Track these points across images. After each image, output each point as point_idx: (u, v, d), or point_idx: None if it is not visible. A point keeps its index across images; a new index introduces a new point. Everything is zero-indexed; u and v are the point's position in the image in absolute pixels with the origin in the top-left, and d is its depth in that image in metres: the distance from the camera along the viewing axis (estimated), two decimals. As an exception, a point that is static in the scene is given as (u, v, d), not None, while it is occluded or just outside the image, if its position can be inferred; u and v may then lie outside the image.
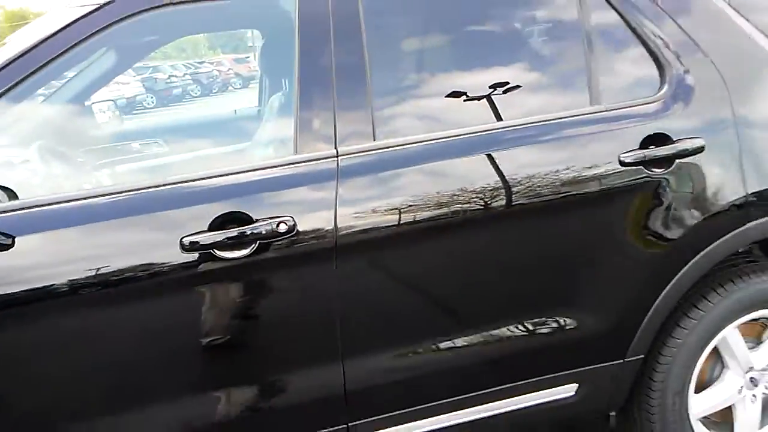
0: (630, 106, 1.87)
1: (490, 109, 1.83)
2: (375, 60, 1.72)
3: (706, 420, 2.16)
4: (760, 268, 2.03)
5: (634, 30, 1.89)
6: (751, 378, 2.10)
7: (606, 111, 1.85)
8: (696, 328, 1.98)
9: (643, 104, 1.87)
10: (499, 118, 1.82)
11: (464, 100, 1.84)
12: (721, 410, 2.15)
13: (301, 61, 1.68)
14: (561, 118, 1.83)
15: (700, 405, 2.08)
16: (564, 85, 1.91)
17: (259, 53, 2.50)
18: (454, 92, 1.84)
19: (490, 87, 1.84)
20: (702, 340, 2.00)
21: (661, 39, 1.89)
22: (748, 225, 1.91)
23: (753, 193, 1.90)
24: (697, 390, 2.09)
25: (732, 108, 1.90)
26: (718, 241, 1.89)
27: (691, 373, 2.02)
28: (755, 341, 2.13)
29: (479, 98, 1.84)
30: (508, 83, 1.85)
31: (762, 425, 2.17)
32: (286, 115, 1.72)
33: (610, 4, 1.88)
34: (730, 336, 2.03)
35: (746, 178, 1.89)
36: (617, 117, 1.85)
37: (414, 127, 1.79)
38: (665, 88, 1.88)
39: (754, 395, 2.12)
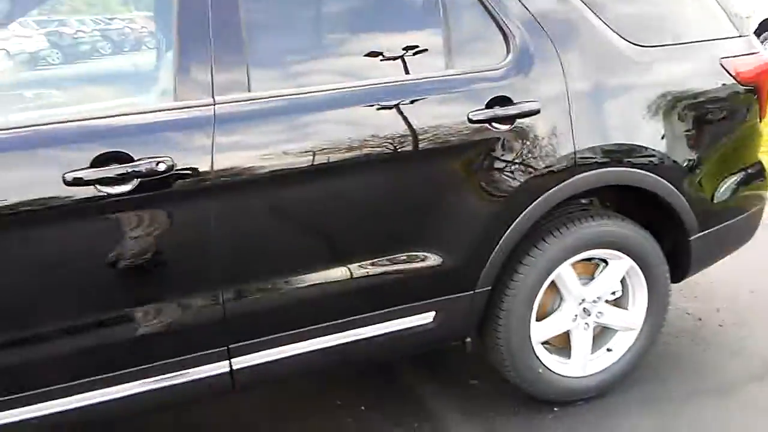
0: (479, 71, 2.14)
1: (355, 70, 2.08)
2: (251, 17, 1.92)
3: (548, 345, 2.52)
4: (590, 215, 2.38)
5: (485, 5, 2.16)
6: (584, 309, 2.47)
7: (458, 75, 2.13)
8: (536, 264, 2.31)
9: (490, 70, 2.15)
10: (362, 77, 2.06)
11: (333, 60, 2.08)
12: (561, 337, 2.52)
13: (180, 17, 1.86)
14: (420, 79, 2.09)
15: (541, 331, 2.42)
16: (423, 50, 2.16)
17: (154, 11, 2.64)
18: (323, 52, 2.08)
19: (355, 49, 2.08)
20: (541, 275, 2.33)
21: (507, 14, 2.17)
22: (575, 177, 2.24)
23: (579, 151, 2.22)
24: (540, 319, 2.44)
25: (565, 78, 2.21)
26: (550, 190, 2.21)
27: (533, 304, 2.35)
28: (589, 278, 2.49)
29: (346, 58, 2.08)
30: (371, 48, 2.10)
31: (593, 350, 2.55)
32: (169, 67, 1.90)
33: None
34: (565, 272, 2.38)
35: (574, 139, 2.22)
36: (468, 80, 2.13)
37: (286, 81, 2.00)
38: (509, 56, 2.17)
39: (586, 323, 2.49)
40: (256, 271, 1.98)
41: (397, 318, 2.18)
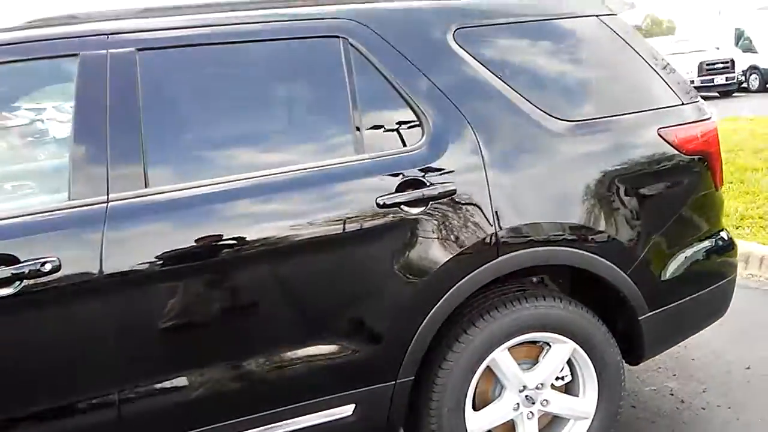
0: (389, 155, 2.10)
1: (262, 160, 2.06)
2: (149, 113, 1.94)
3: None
4: (523, 297, 2.26)
5: (395, 87, 2.14)
6: (527, 396, 2.32)
7: (367, 160, 2.09)
8: (465, 351, 2.19)
9: (401, 153, 2.11)
10: (270, 167, 2.04)
11: (240, 151, 2.08)
12: (505, 427, 2.36)
13: (77, 118, 1.90)
14: (327, 166, 2.06)
15: (479, 422, 2.28)
16: (331, 137, 2.14)
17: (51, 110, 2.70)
18: (229, 143, 2.08)
19: (261, 139, 2.08)
20: (472, 362, 2.20)
21: (419, 96, 2.14)
22: (498, 259, 2.14)
23: (501, 232, 2.13)
24: (479, 408, 2.31)
25: (482, 158, 2.14)
26: (471, 274, 2.12)
27: (465, 393, 2.22)
28: (533, 362, 2.35)
29: (252, 149, 2.08)
30: (277, 137, 2.10)
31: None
32: (64, 165, 1.92)
33: (373, 64, 2.13)
34: (500, 358, 2.25)
35: (495, 217, 2.14)
36: (377, 165, 2.08)
37: (186, 175, 2.00)
38: (423, 138, 2.13)
39: (531, 412, 2.33)
40: (150, 370, 1.93)
41: (314, 412, 2.08)
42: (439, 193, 2.08)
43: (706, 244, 2.52)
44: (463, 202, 2.12)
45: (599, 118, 2.32)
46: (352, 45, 2.13)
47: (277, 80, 2.16)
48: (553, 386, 2.37)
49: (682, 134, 2.38)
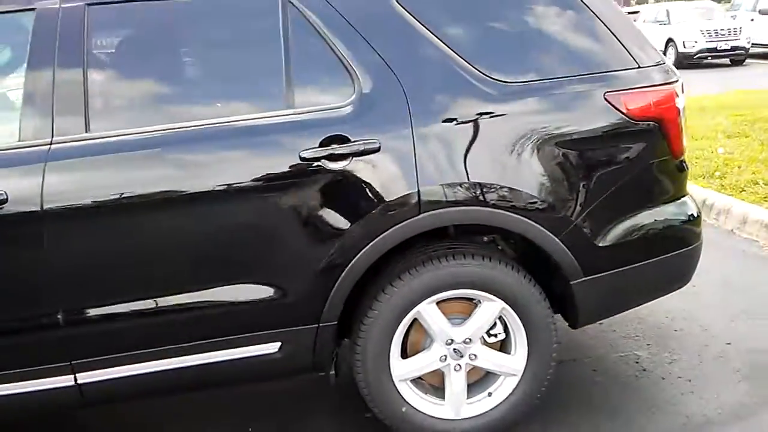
0: (317, 111, 2.19)
1: (195, 111, 2.21)
2: (92, 69, 2.12)
3: (422, 384, 2.47)
4: (451, 254, 2.32)
5: (329, 45, 2.21)
6: (455, 349, 2.40)
7: (295, 114, 2.19)
8: (389, 301, 2.29)
9: (329, 109, 2.20)
10: (203, 117, 2.19)
11: (172, 104, 2.23)
12: (437, 377, 2.46)
13: (29, 67, 2.11)
14: (256, 118, 2.18)
15: (403, 368, 2.38)
16: (263, 91, 2.25)
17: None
18: (162, 96, 2.24)
19: (195, 90, 2.23)
20: (396, 312, 2.30)
21: (352, 54, 2.21)
22: (420, 216, 2.21)
23: (423, 190, 2.19)
24: (409, 357, 2.41)
25: (410, 117, 2.19)
26: (391, 229, 2.20)
27: (390, 340, 2.33)
28: (465, 317, 2.42)
29: (185, 102, 2.23)
30: (210, 89, 2.24)
31: (471, 395, 2.46)
32: (15, 109, 2.14)
33: (309, 22, 2.21)
34: (426, 311, 2.33)
35: (418, 177, 2.19)
36: (304, 120, 2.18)
37: (125, 123, 2.17)
38: (353, 96, 2.20)
39: (458, 365, 2.41)
40: (89, 295, 2.15)
41: (242, 346, 2.25)
42: (362, 149, 2.16)
43: (659, 212, 2.46)
44: (387, 159, 2.19)
45: (539, 80, 2.30)
46: (290, 2, 2.21)
47: (216, 35, 2.29)
48: (486, 342, 2.44)
49: (630, 99, 2.32)
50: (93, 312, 2.16)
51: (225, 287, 2.21)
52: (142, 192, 2.11)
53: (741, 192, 4.95)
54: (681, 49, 16.58)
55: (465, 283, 2.32)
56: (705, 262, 3.97)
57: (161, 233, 2.17)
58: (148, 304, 2.17)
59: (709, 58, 16.47)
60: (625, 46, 2.36)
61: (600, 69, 2.35)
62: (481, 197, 2.24)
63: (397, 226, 2.21)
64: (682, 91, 2.48)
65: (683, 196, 2.54)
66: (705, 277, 3.76)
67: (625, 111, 2.32)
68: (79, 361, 2.18)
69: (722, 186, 5.12)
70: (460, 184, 2.23)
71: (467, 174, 2.23)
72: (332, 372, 2.44)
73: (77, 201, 2.08)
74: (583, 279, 2.36)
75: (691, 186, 5.07)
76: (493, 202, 2.25)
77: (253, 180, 2.15)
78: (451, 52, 2.25)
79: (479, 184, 2.23)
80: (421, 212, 2.21)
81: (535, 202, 2.27)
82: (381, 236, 2.21)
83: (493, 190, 2.24)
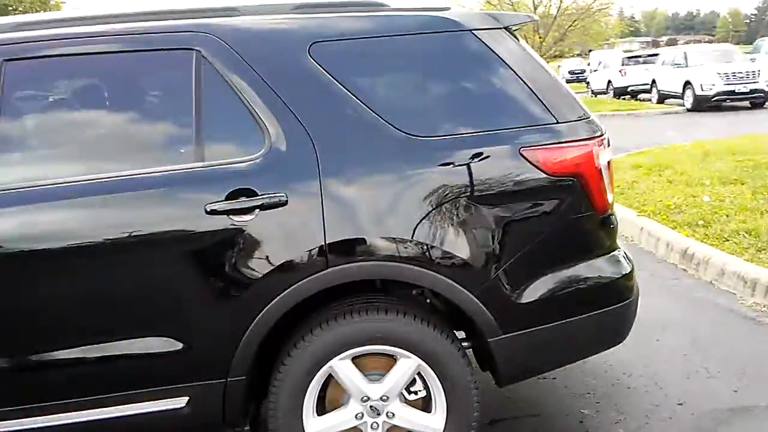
0: (225, 164, 2.21)
1: (108, 164, 2.24)
2: (4, 120, 2.18)
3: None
4: (365, 309, 2.29)
5: (241, 100, 2.23)
6: (371, 406, 2.34)
7: (203, 167, 2.20)
8: (301, 356, 2.26)
9: (236, 162, 2.21)
10: (114, 170, 2.21)
11: (83, 156, 2.27)
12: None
13: None
14: (166, 171, 2.20)
15: (318, 425, 2.33)
16: (175, 145, 2.28)
17: None
18: (74, 148, 2.28)
19: (107, 146, 2.27)
20: (307, 368, 2.27)
21: (263, 108, 2.22)
22: (328, 270, 2.19)
23: (331, 244, 2.18)
24: (325, 413, 2.37)
25: (319, 172, 2.19)
26: (298, 283, 2.18)
27: (303, 396, 2.29)
28: (382, 373, 2.37)
29: (97, 155, 2.26)
30: (122, 142, 2.27)
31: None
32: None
33: (222, 77, 2.23)
34: (339, 367, 2.29)
35: (325, 232, 2.18)
36: (211, 173, 2.19)
37: (36, 174, 2.21)
38: (262, 150, 2.21)
39: (375, 423, 2.36)
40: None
41: (149, 400, 2.23)
42: (267, 203, 2.16)
43: (584, 268, 2.41)
44: (293, 213, 2.18)
45: (453, 135, 2.29)
46: (204, 57, 2.24)
47: (132, 89, 2.34)
48: (407, 400, 2.39)
49: (546, 155, 2.30)
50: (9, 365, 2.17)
51: (129, 340, 2.20)
52: (46, 244, 2.13)
53: (724, 242, 4.83)
54: (698, 92, 16.56)
55: (378, 339, 2.28)
56: (676, 314, 3.95)
57: (66, 284, 2.18)
58: (48, 356, 2.17)
59: (728, 101, 16.36)
60: (543, 102, 2.34)
61: (516, 125, 2.32)
62: (389, 252, 2.21)
63: (304, 281, 2.19)
64: (608, 145, 2.45)
65: (612, 251, 2.48)
66: (672, 330, 3.71)
67: (541, 166, 2.29)
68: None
69: (706, 235, 5.00)
70: (369, 240, 2.21)
71: (376, 229, 2.22)
72: (247, 428, 2.40)
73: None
74: (502, 336, 2.31)
75: (674, 234, 5.07)
76: (402, 256, 2.22)
77: (158, 232, 2.17)
78: (365, 107, 2.25)
79: (388, 239, 2.21)
80: (329, 267, 2.19)
81: (447, 257, 2.24)
82: (287, 291, 2.19)
83: (402, 245, 2.22)
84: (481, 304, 2.27)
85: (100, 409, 2.21)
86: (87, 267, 2.17)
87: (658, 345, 3.57)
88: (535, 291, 2.33)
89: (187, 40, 2.26)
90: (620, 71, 22.73)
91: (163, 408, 2.24)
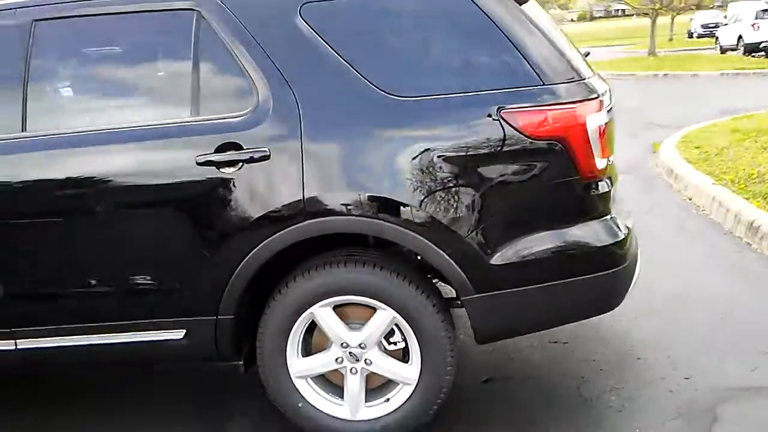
0: (217, 119, 2.37)
1: (116, 116, 2.48)
2: (33, 78, 2.45)
3: (324, 381, 2.58)
4: (344, 261, 2.41)
5: (235, 58, 2.37)
6: (350, 353, 2.49)
7: (197, 121, 2.38)
8: (283, 302, 2.44)
9: (227, 117, 2.37)
10: (120, 122, 2.45)
11: (94, 109, 2.53)
12: (339, 377, 2.56)
13: None
14: (164, 123, 2.41)
15: (300, 366, 2.52)
16: (174, 99, 2.47)
17: None
18: (87, 102, 2.53)
19: (114, 99, 2.50)
20: (289, 312, 2.44)
21: (254, 66, 2.36)
22: (305, 222, 2.33)
23: (308, 198, 2.31)
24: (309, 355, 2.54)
25: (300, 128, 2.31)
26: (277, 234, 2.34)
27: (287, 338, 2.47)
28: (363, 322, 2.50)
29: (106, 108, 2.51)
30: (123, 95, 2.53)
31: (372, 399, 2.54)
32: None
33: (218, 36, 2.38)
34: (320, 314, 2.44)
35: (305, 184, 2.31)
36: (204, 126, 2.37)
37: (53, 124, 2.49)
38: (251, 106, 2.35)
39: (354, 368, 2.51)
40: (26, 277, 2.51)
41: (153, 329, 2.50)
42: (251, 156, 2.32)
43: (566, 233, 2.38)
44: (275, 167, 2.32)
45: (435, 95, 2.33)
46: (204, 17, 2.40)
47: (141, 47, 2.55)
48: (386, 350, 2.51)
49: (527, 117, 2.29)
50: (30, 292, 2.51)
51: (142, 277, 2.46)
52: (60, 191, 2.43)
53: (800, 216, 4.51)
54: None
55: (354, 290, 2.41)
56: (720, 288, 3.77)
57: (83, 228, 2.46)
58: (76, 288, 2.49)
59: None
60: (530, 63, 2.32)
61: (500, 86, 2.32)
62: (366, 209, 2.31)
63: (283, 232, 2.34)
64: (601, 108, 2.39)
65: (600, 217, 2.45)
66: (708, 304, 3.57)
67: (520, 129, 2.28)
68: (18, 329, 2.53)
69: (779, 208, 4.69)
70: (347, 195, 2.32)
71: (352, 186, 2.32)
72: (240, 363, 2.61)
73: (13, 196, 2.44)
74: (475, 296, 2.36)
75: (745, 205, 4.78)
76: (377, 213, 2.31)
77: (155, 180, 2.40)
78: (349, 66, 2.33)
79: (365, 195, 2.31)
80: (306, 219, 2.33)
81: (420, 216, 2.30)
82: (268, 240, 2.35)
83: (378, 202, 2.31)
84: (454, 264, 2.33)
85: (119, 334, 2.50)
86: (100, 211, 2.43)
87: (687, 318, 3.46)
88: (512, 253, 2.35)
89: (188, 0, 2.42)
90: (753, 25, 20.94)
91: (166, 338, 2.50)
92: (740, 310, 3.50)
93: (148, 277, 2.46)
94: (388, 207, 2.31)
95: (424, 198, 2.30)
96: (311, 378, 2.56)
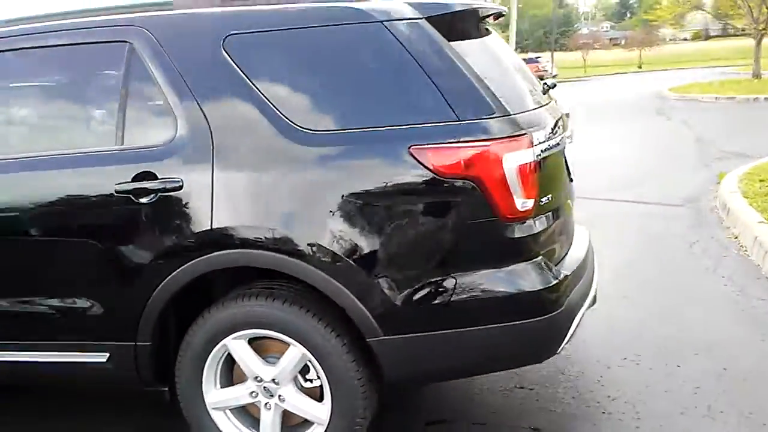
0: (138, 148, 2.41)
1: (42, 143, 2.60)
2: None
3: (245, 415, 2.55)
4: (256, 294, 2.37)
5: (159, 89, 2.40)
6: (265, 387, 2.45)
7: (119, 150, 2.43)
8: (198, 332, 2.43)
9: (147, 148, 2.40)
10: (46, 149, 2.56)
11: (21, 135, 2.68)
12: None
13: None
14: (89, 151, 2.48)
15: (216, 396, 2.50)
16: (102, 129, 2.53)
17: None
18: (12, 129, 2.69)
19: (42, 127, 2.63)
20: (203, 342, 2.43)
21: (175, 98, 2.38)
22: (213, 254, 2.31)
23: (217, 229, 2.30)
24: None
25: (213, 159, 2.31)
26: (186, 265, 2.34)
27: (202, 368, 2.46)
28: (279, 357, 2.44)
29: (33, 135, 2.65)
30: (57, 125, 2.62)
31: (291, 434, 2.48)
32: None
33: (146, 67, 2.42)
34: (234, 346, 2.42)
35: (214, 216, 2.30)
36: (124, 155, 2.41)
37: None
38: (170, 137, 2.37)
39: (269, 404, 2.46)
40: None
41: (76, 351, 2.56)
42: (165, 186, 2.33)
43: (485, 276, 2.24)
44: (188, 198, 2.33)
45: (346, 129, 2.26)
46: (135, 49, 2.45)
47: (72, 79, 2.64)
48: (303, 387, 2.45)
49: (437, 155, 2.18)
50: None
51: (64, 299, 2.53)
52: None
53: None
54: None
55: (264, 325, 2.37)
56: (726, 338, 3.44)
57: (14, 249, 2.57)
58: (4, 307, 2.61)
59: None
60: (446, 98, 2.21)
61: (414, 121, 2.22)
62: (269, 243, 2.27)
63: (192, 262, 2.34)
64: (528, 146, 2.24)
65: (526, 261, 2.28)
66: (706, 356, 3.29)
67: (430, 167, 2.18)
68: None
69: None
70: (252, 228, 2.29)
71: (258, 220, 2.29)
72: (165, 389, 2.62)
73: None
74: (383, 337, 2.26)
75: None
76: (283, 248, 2.26)
77: (78, 206, 2.47)
78: (265, 100, 2.31)
79: (269, 229, 2.27)
80: (213, 251, 2.31)
81: (326, 252, 2.24)
82: (179, 270, 2.35)
83: (284, 236, 2.26)
84: (358, 303, 2.24)
85: (46, 352, 2.58)
86: (26, 233, 2.52)
87: (676, 370, 3.17)
88: (424, 295, 2.24)
89: (122, 33, 2.48)
90: None
91: (92, 360, 2.54)
92: (736, 368, 3.16)
93: (73, 300, 2.52)
94: (291, 242, 2.26)
95: (330, 234, 2.23)
96: (230, 410, 2.53)
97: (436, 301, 2.24)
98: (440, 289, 2.24)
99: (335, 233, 2.23)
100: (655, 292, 4.21)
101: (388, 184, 2.22)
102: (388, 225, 2.23)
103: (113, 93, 2.49)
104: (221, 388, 2.51)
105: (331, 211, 2.24)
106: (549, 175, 2.42)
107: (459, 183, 2.18)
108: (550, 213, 2.42)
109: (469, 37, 2.51)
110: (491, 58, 2.53)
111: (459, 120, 2.20)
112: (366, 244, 2.23)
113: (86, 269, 2.49)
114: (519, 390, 3.06)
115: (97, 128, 2.56)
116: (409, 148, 2.19)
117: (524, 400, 2.99)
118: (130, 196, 2.37)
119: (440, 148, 2.18)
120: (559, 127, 2.60)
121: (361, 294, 2.24)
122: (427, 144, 2.19)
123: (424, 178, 2.19)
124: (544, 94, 2.77)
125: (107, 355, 2.53)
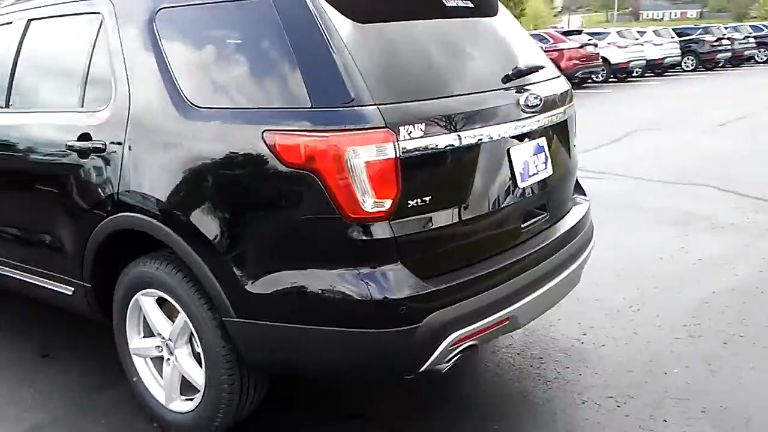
0: (88, 111, 2.69)
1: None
2: None
3: (160, 365, 2.74)
4: (160, 258, 2.51)
5: (110, 56, 2.63)
6: (167, 345, 2.62)
7: (75, 112, 2.74)
8: (119, 285, 2.69)
9: (94, 111, 2.66)
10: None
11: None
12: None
13: None
14: (54, 112, 2.87)
15: (135, 344, 2.74)
16: (70, 93, 2.84)
17: None
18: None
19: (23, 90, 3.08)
20: (121, 294, 2.68)
21: (115, 67, 2.59)
22: (116, 215, 2.52)
23: (121, 192, 2.50)
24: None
25: (127, 126, 2.49)
26: (102, 221, 2.58)
27: (125, 316, 2.71)
28: (176, 319, 2.59)
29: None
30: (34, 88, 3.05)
31: (188, 393, 2.62)
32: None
33: (105, 38, 2.66)
34: (143, 302, 2.62)
35: (121, 180, 2.49)
36: (78, 117, 2.73)
37: None
38: (108, 102, 2.61)
39: (169, 359, 2.63)
40: None
41: (55, 281, 2.98)
42: (93, 147, 2.59)
43: (329, 275, 2.10)
44: (108, 160, 2.56)
45: (221, 107, 2.27)
46: (103, 21, 2.71)
47: (53, 49, 3.04)
48: (194, 352, 2.56)
49: (282, 141, 2.08)
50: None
51: (39, 234, 2.99)
52: None
53: None
54: None
55: (159, 287, 2.51)
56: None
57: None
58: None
59: None
60: (306, 82, 2.09)
61: (277, 104, 2.16)
62: (152, 210, 2.40)
63: (107, 220, 2.57)
64: (384, 141, 2.02)
65: (374, 267, 2.08)
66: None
67: (277, 153, 2.09)
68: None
69: None
70: (140, 195, 2.44)
71: (146, 186, 2.43)
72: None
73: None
74: (236, 320, 2.27)
75: None
76: (159, 216, 2.38)
77: (44, 154, 2.89)
78: (170, 73, 2.41)
79: (152, 197, 2.40)
80: (117, 212, 2.52)
81: (190, 226, 2.29)
82: (100, 225, 2.61)
83: (160, 205, 2.38)
84: (215, 281, 2.27)
85: (29, 275, 3.09)
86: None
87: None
88: (267, 284, 2.18)
89: (97, 5, 2.75)
90: None
91: (63, 291, 2.94)
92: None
93: (46, 237, 2.94)
94: (165, 211, 2.36)
95: (194, 208, 2.29)
96: (150, 359, 2.75)
97: (281, 293, 2.17)
98: (288, 281, 2.16)
99: (199, 208, 2.28)
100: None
101: (246, 168, 2.20)
102: (242, 208, 2.22)
103: (83, 60, 2.78)
104: (143, 338, 2.74)
105: (197, 186, 2.29)
106: (457, 172, 2.19)
107: (302, 174, 2.07)
108: (438, 216, 2.18)
109: (405, 18, 2.32)
110: (432, 41, 2.34)
111: (311, 107, 2.08)
112: (222, 224, 2.25)
113: (50, 213, 2.87)
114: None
115: (70, 92, 2.86)
116: (263, 132, 2.13)
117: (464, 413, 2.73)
118: (75, 153, 2.67)
119: (285, 134, 2.09)
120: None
121: (216, 272, 2.26)
122: (276, 129, 2.11)
123: (273, 165, 2.12)
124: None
125: (72, 289, 2.91)
